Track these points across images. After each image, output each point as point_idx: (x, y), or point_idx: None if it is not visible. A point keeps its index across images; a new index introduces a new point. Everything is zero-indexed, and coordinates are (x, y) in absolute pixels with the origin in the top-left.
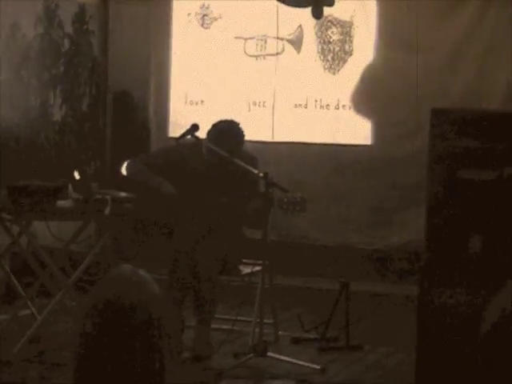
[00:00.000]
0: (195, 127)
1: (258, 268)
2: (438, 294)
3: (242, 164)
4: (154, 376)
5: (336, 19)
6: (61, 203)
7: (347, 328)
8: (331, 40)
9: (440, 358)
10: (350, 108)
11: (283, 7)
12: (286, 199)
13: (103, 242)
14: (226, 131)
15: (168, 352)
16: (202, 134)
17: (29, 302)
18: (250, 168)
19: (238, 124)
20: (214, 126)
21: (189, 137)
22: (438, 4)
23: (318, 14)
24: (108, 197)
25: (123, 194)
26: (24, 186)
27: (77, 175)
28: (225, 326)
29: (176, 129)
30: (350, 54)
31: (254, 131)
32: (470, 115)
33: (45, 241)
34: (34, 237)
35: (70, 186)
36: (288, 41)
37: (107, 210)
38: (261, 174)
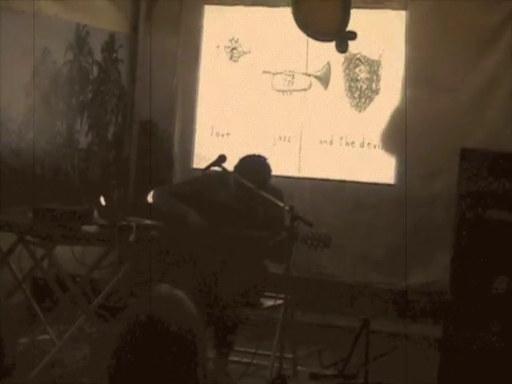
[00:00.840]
0: (223, 158)
1: (279, 302)
2: (461, 335)
3: (268, 197)
4: None
5: (364, 57)
6: (86, 228)
7: (367, 365)
8: (359, 78)
9: None
10: (374, 146)
11: (313, 43)
12: (310, 235)
13: (126, 269)
14: (254, 166)
15: (202, 372)
16: (227, 165)
17: (48, 327)
18: (276, 201)
19: (266, 159)
20: (242, 159)
21: (215, 168)
22: (467, 46)
23: (342, 49)
24: (133, 223)
25: (148, 222)
26: (50, 209)
27: (103, 201)
28: (244, 359)
29: (200, 160)
30: (377, 93)
31: (279, 166)
32: (499, 156)
33: (67, 266)
34: (56, 261)
35: (95, 212)
36: (316, 77)
37: (132, 237)
38: (286, 208)
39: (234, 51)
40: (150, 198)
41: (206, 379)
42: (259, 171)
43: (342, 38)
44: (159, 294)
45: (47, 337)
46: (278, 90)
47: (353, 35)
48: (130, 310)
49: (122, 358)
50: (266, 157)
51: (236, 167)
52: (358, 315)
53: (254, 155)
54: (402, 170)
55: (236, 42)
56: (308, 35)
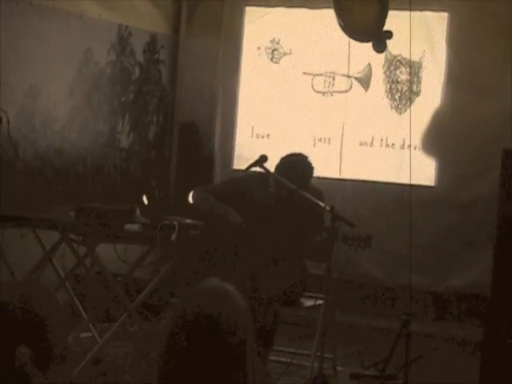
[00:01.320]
0: (264, 158)
1: (320, 302)
2: (502, 337)
3: (309, 197)
4: None
5: (405, 59)
6: (128, 227)
7: (407, 366)
8: (399, 80)
9: None
10: (415, 148)
11: (354, 45)
12: (350, 234)
13: (169, 268)
14: (296, 165)
15: (251, 365)
16: (268, 166)
17: (90, 325)
18: (317, 201)
19: (307, 158)
20: (284, 158)
21: (256, 168)
22: (508, 48)
23: (379, 48)
24: (175, 223)
25: (190, 221)
26: (93, 208)
27: (145, 200)
28: (284, 359)
29: (241, 162)
30: (418, 95)
31: (319, 167)
32: None
33: (109, 265)
34: (99, 260)
35: (138, 211)
36: (356, 79)
37: (174, 236)
38: (327, 208)
39: (275, 52)
40: (190, 198)
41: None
42: (301, 170)
43: (379, 37)
44: (209, 287)
45: (89, 335)
46: (319, 92)
47: (389, 34)
48: (179, 304)
49: (172, 352)
50: (308, 156)
51: (277, 166)
52: (397, 316)
53: (295, 154)
54: (443, 171)
55: (277, 43)
56: (348, 36)
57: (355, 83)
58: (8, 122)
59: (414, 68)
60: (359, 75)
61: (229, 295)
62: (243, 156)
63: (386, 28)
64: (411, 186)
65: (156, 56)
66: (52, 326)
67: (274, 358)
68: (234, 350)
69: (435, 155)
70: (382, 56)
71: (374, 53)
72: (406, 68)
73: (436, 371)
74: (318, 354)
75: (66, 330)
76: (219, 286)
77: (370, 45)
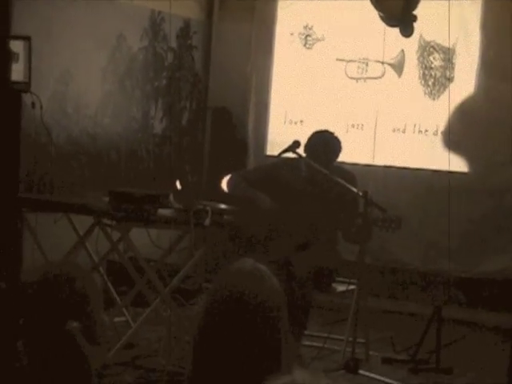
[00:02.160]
0: (297, 144)
1: (352, 287)
2: None
3: (341, 181)
4: (271, 368)
5: (438, 45)
6: (162, 212)
7: (438, 351)
8: (433, 66)
9: None
10: (448, 134)
11: (388, 31)
12: (381, 217)
13: (202, 253)
14: (325, 142)
15: (285, 345)
16: (301, 151)
17: (124, 310)
18: (350, 186)
19: (334, 134)
20: (310, 138)
21: (290, 153)
22: None
23: (406, 32)
24: (208, 208)
25: (223, 206)
26: (127, 193)
27: (178, 185)
28: (316, 344)
29: (274, 147)
30: (451, 81)
31: (352, 153)
32: None
33: (142, 250)
34: (133, 244)
35: (171, 196)
36: (390, 65)
37: (207, 221)
38: (360, 193)
39: (308, 38)
40: (224, 184)
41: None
42: (329, 147)
43: (406, 22)
44: (243, 267)
45: (123, 319)
46: (352, 78)
47: (414, 17)
48: (213, 285)
49: (206, 331)
50: (334, 132)
51: (306, 145)
52: (429, 302)
53: (320, 131)
54: (476, 158)
55: (310, 29)
56: (387, 24)
57: (388, 69)
58: (41, 107)
59: (448, 54)
60: (392, 61)
61: (262, 275)
62: (276, 142)
63: (420, 14)
64: (447, 172)
65: (189, 41)
66: (93, 303)
67: (306, 342)
68: (268, 329)
69: (468, 142)
70: (415, 42)
71: (407, 39)
72: (439, 54)
73: (467, 357)
74: (351, 338)
75: (102, 310)
76: (253, 267)
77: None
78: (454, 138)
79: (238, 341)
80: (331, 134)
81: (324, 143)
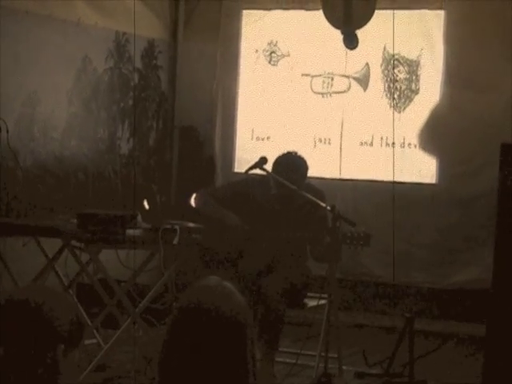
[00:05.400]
0: (264, 160)
1: (323, 302)
2: (505, 333)
3: (310, 197)
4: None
5: (403, 58)
6: (130, 232)
7: (412, 363)
8: (398, 78)
9: None
10: (415, 146)
11: None
12: (349, 234)
13: (171, 272)
14: (289, 163)
15: (251, 362)
16: (269, 167)
17: (95, 331)
18: (318, 201)
19: (301, 155)
20: (278, 158)
21: (257, 170)
22: (505, 45)
23: (350, 45)
24: (177, 227)
25: (191, 224)
26: (95, 214)
27: (146, 205)
28: (288, 360)
29: (242, 164)
30: (417, 93)
31: (320, 168)
32: None
33: (112, 271)
34: (102, 266)
35: (139, 216)
36: (355, 79)
37: (176, 240)
38: (328, 208)
39: (273, 55)
40: (192, 202)
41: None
42: (295, 167)
43: (350, 35)
44: (209, 284)
45: (94, 341)
46: (318, 93)
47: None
48: (179, 301)
49: (173, 346)
50: (298, 153)
51: (272, 166)
52: (401, 314)
53: (288, 153)
54: (444, 169)
55: (275, 45)
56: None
57: (354, 83)
58: (7, 131)
59: (412, 66)
60: (357, 75)
61: (227, 292)
62: (244, 159)
63: (383, 27)
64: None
65: (154, 61)
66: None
67: (279, 359)
68: (234, 345)
69: (435, 153)
70: (379, 55)
71: (371, 52)
72: (404, 67)
73: (441, 369)
74: (323, 353)
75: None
76: (218, 284)
77: (367, 44)
78: (421, 150)
79: (203, 357)
80: (296, 155)
81: (290, 167)
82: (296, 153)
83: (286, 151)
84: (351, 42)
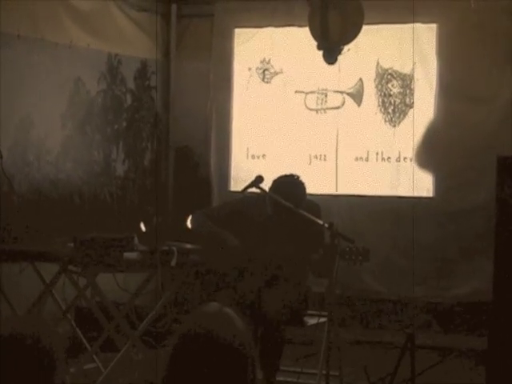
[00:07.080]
0: (260, 179)
1: (323, 319)
2: (507, 346)
3: (306, 214)
4: None
5: (396, 72)
6: (127, 255)
7: (413, 379)
8: (391, 93)
9: None
10: (411, 160)
11: (344, 61)
12: (348, 249)
13: (170, 294)
14: (288, 186)
15: None
16: (264, 186)
17: (94, 356)
18: (315, 219)
19: (299, 178)
20: (276, 181)
21: (253, 189)
22: (497, 57)
23: (329, 59)
24: (174, 248)
25: (189, 246)
26: (91, 238)
27: (143, 227)
28: (290, 379)
29: (238, 183)
30: (411, 107)
31: (316, 184)
32: None
33: (110, 294)
34: (100, 290)
35: (136, 238)
36: (348, 94)
37: (173, 262)
38: (326, 225)
39: (266, 72)
40: (188, 223)
41: None
42: (294, 191)
43: (329, 49)
44: (209, 310)
45: (94, 365)
46: (312, 109)
47: (340, 50)
48: (180, 328)
49: (174, 374)
50: (299, 176)
51: (270, 189)
52: (402, 330)
53: (287, 175)
54: (440, 182)
55: (267, 63)
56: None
57: (348, 99)
58: (1, 157)
59: (406, 80)
60: (351, 90)
61: (227, 317)
62: (239, 177)
63: (375, 42)
64: (412, 198)
65: (147, 82)
66: (57, 356)
67: (280, 378)
68: (234, 370)
69: (431, 166)
70: (373, 70)
71: (364, 68)
72: (397, 81)
73: (442, 383)
74: (324, 372)
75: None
76: (218, 309)
77: (361, 60)
78: (417, 164)
79: (205, 382)
80: (296, 177)
81: (289, 188)
82: (293, 175)
83: (283, 174)
84: (330, 57)
